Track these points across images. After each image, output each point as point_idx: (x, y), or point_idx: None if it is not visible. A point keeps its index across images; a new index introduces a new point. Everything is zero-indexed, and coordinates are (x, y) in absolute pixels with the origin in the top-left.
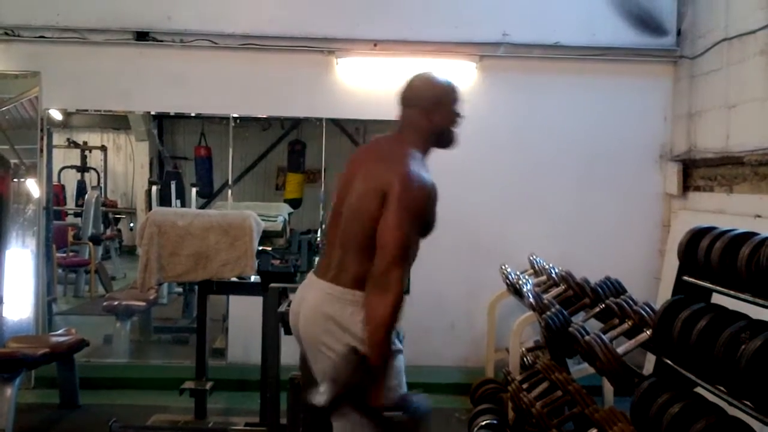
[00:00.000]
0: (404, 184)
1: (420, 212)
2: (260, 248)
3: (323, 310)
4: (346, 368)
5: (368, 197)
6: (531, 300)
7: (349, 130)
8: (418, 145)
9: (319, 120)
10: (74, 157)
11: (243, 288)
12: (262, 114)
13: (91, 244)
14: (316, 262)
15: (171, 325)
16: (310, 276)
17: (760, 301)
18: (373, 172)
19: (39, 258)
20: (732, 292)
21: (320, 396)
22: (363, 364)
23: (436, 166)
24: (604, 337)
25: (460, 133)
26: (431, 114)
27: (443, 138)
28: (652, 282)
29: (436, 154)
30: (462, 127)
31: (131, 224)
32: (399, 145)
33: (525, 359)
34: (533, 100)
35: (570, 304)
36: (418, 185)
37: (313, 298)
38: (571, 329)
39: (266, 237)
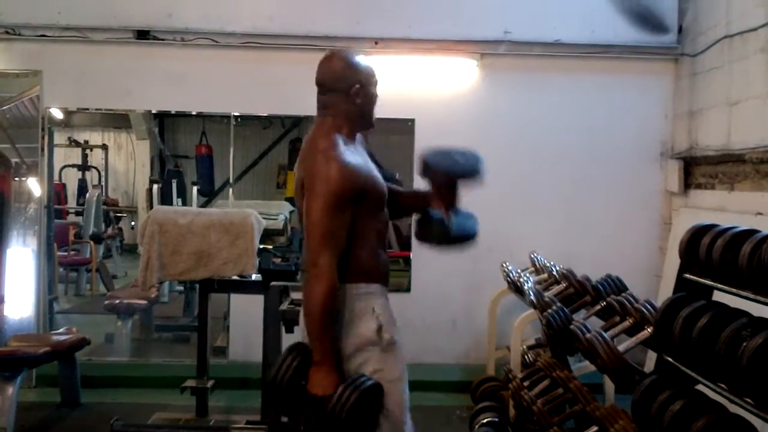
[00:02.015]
0: (314, 170)
1: (339, 192)
2: (261, 246)
3: None
4: (281, 364)
5: (297, 194)
6: (532, 298)
7: None
8: (342, 129)
9: None
10: (75, 155)
11: (244, 286)
12: (263, 112)
13: (92, 242)
14: None
15: (172, 324)
16: None
17: (762, 299)
18: (298, 167)
19: (40, 257)
20: (733, 290)
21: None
22: (303, 358)
23: None
24: (605, 334)
25: (461, 128)
26: (353, 97)
27: (366, 119)
28: (653, 280)
29: None
30: (463, 123)
31: (132, 223)
32: (318, 133)
33: (526, 357)
34: (534, 98)
35: (571, 301)
36: (327, 167)
37: None
38: (572, 327)
39: (267, 235)
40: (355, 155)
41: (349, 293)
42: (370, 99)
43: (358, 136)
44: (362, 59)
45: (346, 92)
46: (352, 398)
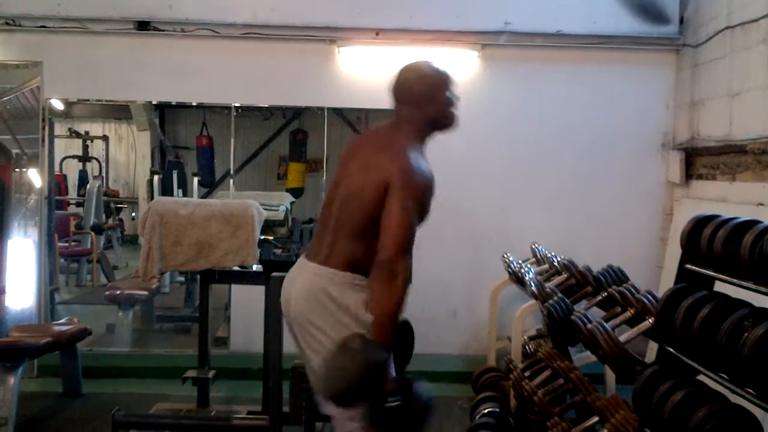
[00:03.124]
0: (407, 175)
1: (421, 202)
2: (262, 237)
3: (319, 287)
4: (353, 356)
5: (369, 186)
6: (533, 288)
7: (350, 119)
8: (415, 137)
9: (321, 109)
10: (76, 146)
11: (245, 277)
12: (264, 103)
13: (93, 233)
14: (306, 247)
15: (173, 314)
16: (301, 259)
17: (763, 289)
18: (373, 162)
19: (41, 248)
20: (735, 280)
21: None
22: (367, 351)
23: (437, 155)
24: (606, 325)
25: (462, 120)
26: (424, 107)
27: (440, 124)
28: (654, 270)
29: (437, 142)
30: (464, 115)
31: (133, 214)
32: (397, 137)
33: (527, 347)
34: (535, 89)
35: (572, 292)
36: (419, 177)
37: (305, 279)
38: (573, 317)
39: (268, 226)
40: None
41: (348, 281)
42: (441, 106)
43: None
44: (434, 67)
45: (416, 104)
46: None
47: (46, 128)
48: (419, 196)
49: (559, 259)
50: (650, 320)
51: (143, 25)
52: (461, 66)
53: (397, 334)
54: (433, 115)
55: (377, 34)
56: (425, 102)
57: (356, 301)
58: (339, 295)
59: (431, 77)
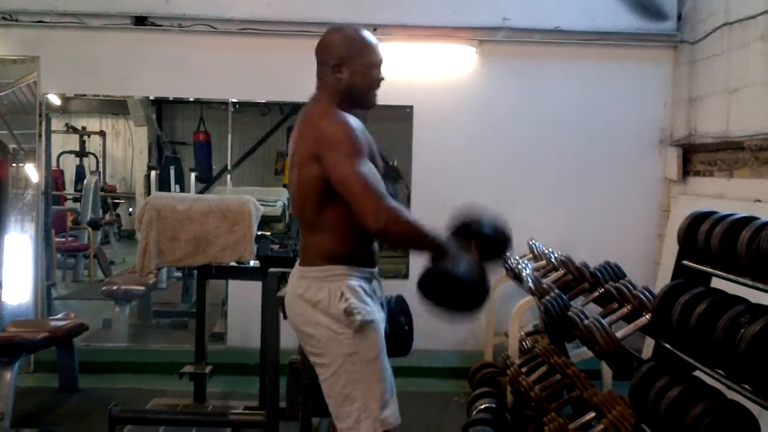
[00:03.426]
0: (325, 132)
1: (356, 142)
2: (259, 233)
3: (295, 292)
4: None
5: (304, 173)
6: (530, 284)
7: None
8: (333, 101)
9: None
10: (73, 142)
11: (242, 272)
12: (261, 99)
13: (90, 228)
14: None
15: (170, 310)
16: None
17: (760, 285)
18: (299, 148)
19: (38, 243)
20: (732, 277)
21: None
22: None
23: (434, 150)
24: (603, 321)
25: (460, 116)
26: (338, 71)
27: (355, 97)
28: (651, 266)
29: (434, 137)
30: (462, 111)
31: (130, 209)
32: (312, 109)
33: (524, 343)
34: (533, 85)
35: (569, 288)
36: (335, 125)
37: (290, 284)
38: (570, 313)
39: (265, 222)
40: (355, 122)
41: (321, 275)
42: (358, 78)
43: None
44: (361, 33)
45: (330, 66)
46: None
47: (43, 123)
48: (349, 140)
49: (556, 255)
50: (647, 316)
51: (140, 21)
52: (459, 62)
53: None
54: (348, 83)
55: (375, 29)
56: (340, 66)
57: (328, 294)
58: (311, 294)
59: (354, 41)
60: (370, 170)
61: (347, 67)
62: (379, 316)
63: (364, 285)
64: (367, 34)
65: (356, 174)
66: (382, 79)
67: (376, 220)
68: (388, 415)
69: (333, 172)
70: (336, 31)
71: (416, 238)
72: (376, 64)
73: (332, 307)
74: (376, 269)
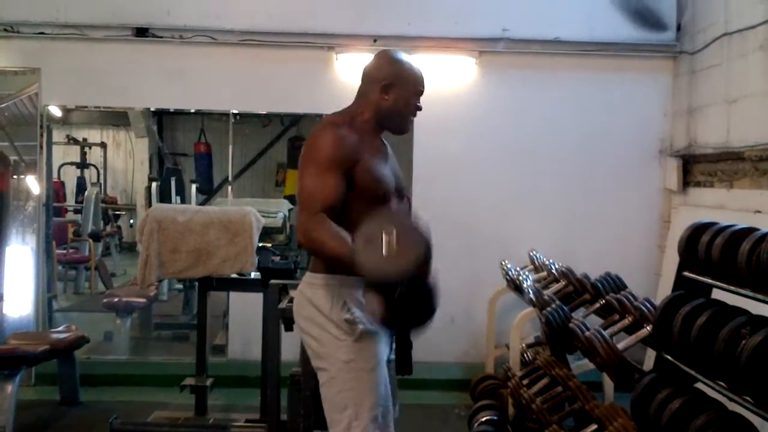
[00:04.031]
0: (307, 141)
1: (327, 153)
2: (260, 245)
3: (304, 296)
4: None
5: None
6: (531, 296)
7: None
8: (363, 115)
9: (320, 116)
10: (74, 153)
11: (243, 284)
12: (262, 110)
13: (91, 240)
14: None
15: (171, 322)
16: None
17: (761, 297)
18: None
19: (39, 255)
20: (732, 288)
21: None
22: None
23: (436, 160)
24: (604, 332)
25: (460, 126)
26: (386, 91)
27: (394, 122)
28: (652, 278)
29: (436, 149)
30: (462, 121)
31: (131, 221)
32: (333, 116)
33: (525, 355)
34: (533, 96)
35: (570, 299)
36: (318, 136)
37: (300, 287)
38: (571, 325)
39: (266, 233)
40: (354, 132)
41: (326, 282)
42: (402, 102)
43: (384, 138)
44: (412, 64)
45: (378, 85)
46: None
47: (44, 135)
48: (325, 154)
49: (557, 266)
50: (648, 328)
51: (141, 32)
52: (459, 73)
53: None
54: (390, 106)
55: (375, 40)
56: (389, 87)
57: (332, 301)
58: (317, 299)
59: (405, 68)
60: (323, 182)
61: (396, 90)
62: (378, 329)
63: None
64: (417, 65)
65: (304, 186)
66: (420, 108)
67: (299, 233)
68: (379, 429)
69: (298, 178)
70: (390, 54)
71: (328, 255)
72: (420, 93)
73: (335, 314)
74: None
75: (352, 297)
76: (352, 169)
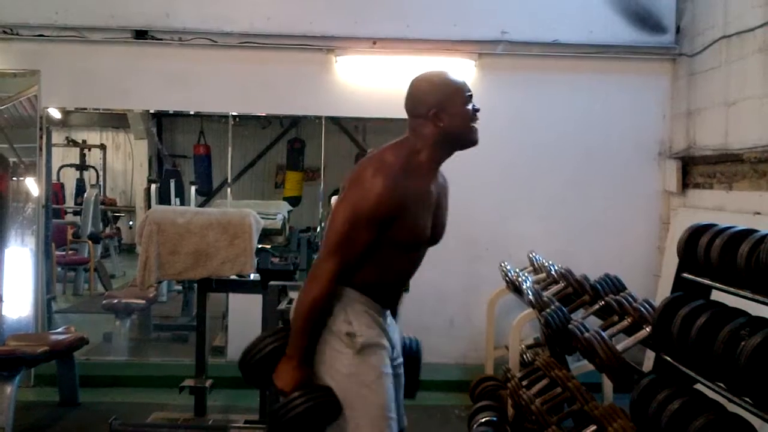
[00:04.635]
0: (360, 177)
1: (372, 210)
2: (260, 246)
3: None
4: (260, 341)
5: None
6: (530, 297)
7: (348, 128)
8: (421, 153)
9: (319, 118)
10: (73, 155)
11: (242, 286)
12: (261, 112)
13: (90, 242)
14: None
15: (170, 323)
16: None
17: (760, 298)
18: (352, 171)
19: (38, 256)
20: (731, 289)
21: None
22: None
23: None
24: (603, 334)
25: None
26: (437, 119)
27: (458, 139)
28: (651, 279)
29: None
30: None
31: (130, 222)
32: (392, 146)
33: (524, 356)
34: (532, 98)
35: (569, 301)
36: (372, 181)
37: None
38: (570, 326)
39: (265, 235)
40: (408, 181)
41: (340, 293)
42: (458, 120)
43: (440, 172)
44: (447, 77)
45: (427, 118)
46: (300, 408)
47: (44, 137)
48: (371, 208)
49: (556, 267)
50: (647, 329)
51: (141, 34)
52: (458, 75)
53: None
54: (449, 129)
55: (374, 43)
56: (438, 113)
57: (334, 313)
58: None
59: (444, 85)
60: (353, 237)
61: (445, 113)
62: (383, 342)
63: (371, 312)
64: (452, 74)
65: (341, 230)
66: (478, 109)
67: (318, 257)
68: None
69: (334, 208)
70: (423, 80)
71: (302, 315)
72: (470, 98)
73: (336, 326)
74: (388, 311)
75: (354, 309)
76: (391, 221)
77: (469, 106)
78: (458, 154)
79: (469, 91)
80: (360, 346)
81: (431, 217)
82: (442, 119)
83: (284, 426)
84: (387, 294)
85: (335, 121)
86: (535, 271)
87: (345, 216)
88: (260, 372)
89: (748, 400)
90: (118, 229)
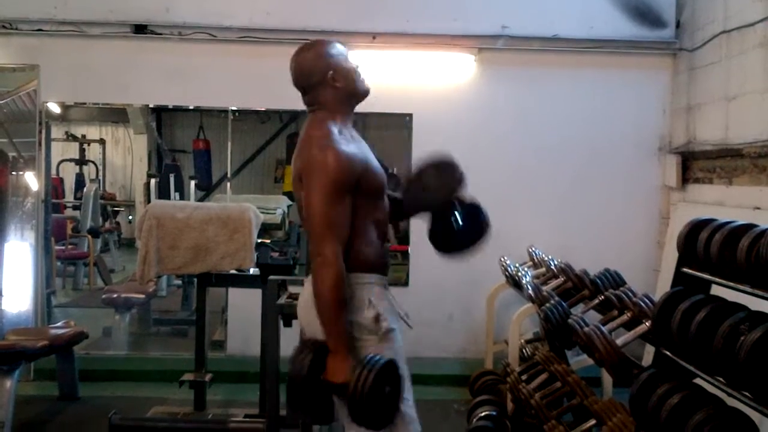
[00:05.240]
0: (311, 160)
1: (337, 180)
2: (259, 241)
3: (306, 296)
4: (295, 361)
5: (296, 186)
6: (530, 292)
7: None
8: (335, 117)
9: None
10: (73, 150)
11: (242, 280)
12: (261, 107)
13: (89, 236)
14: None
15: (170, 318)
16: None
17: (760, 293)
18: (295, 160)
19: (38, 251)
20: (731, 284)
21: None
22: (316, 352)
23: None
24: (603, 328)
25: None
26: (334, 81)
27: (356, 93)
28: (651, 274)
29: (434, 146)
30: (461, 119)
31: (130, 217)
32: (311, 125)
33: (524, 351)
34: (532, 93)
35: (569, 295)
36: (324, 156)
37: (303, 291)
38: (570, 321)
39: (265, 229)
40: (350, 143)
41: (347, 283)
42: (349, 76)
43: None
44: (325, 44)
45: (323, 83)
46: (370, 378)
47: (43, 131)
48: (330, 174)
49: (555, 262)
50: (647, 324)
51: (140, 29)
52: (458, 70)
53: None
54: (346, 87)
55: (374, 37)
56: (332, 78)
57: (352, 302)
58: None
59: (326, 50)
60: (335, 212)
61: (338, 74)
62: (398, 326)
63: (385, 291)
64: (325, 41)
65: (321, 212)
66: (357, 64)
67: (312, 247)
68: (407, 423)
69: (306, 198)
70: (304, 52)
71: (325, 294)
72: (346, 54)
73: (356, 314)
74: (386, 277)
75: (374, 293)
76: (357, 181)
77: (352, 63)
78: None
79: (343, 47)
80: (383, 332)
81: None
82: (338, 80)
83: (368, 400)
84: (383, 257)
85: None
86: (535, 265)
87: (319, 198)
88: (313, 388)
89: (747, 394)
90: (118, 223)
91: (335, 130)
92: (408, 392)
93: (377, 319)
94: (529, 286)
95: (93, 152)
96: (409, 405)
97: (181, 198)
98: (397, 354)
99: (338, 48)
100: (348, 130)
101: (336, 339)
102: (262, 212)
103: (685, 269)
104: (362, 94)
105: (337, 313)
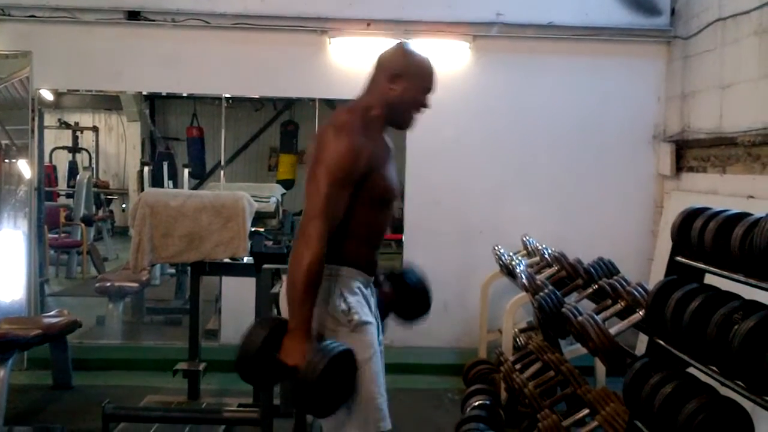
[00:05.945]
0: (325, 140)
1: (345, 167)
2: (253, 229)
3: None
4: (250, 334)
5: (309, 161)
6: (524, 281)
7: None
8: (373, 110)
9: (312, 100)
10: (66, 137)
11: (236, 269)
12: (255, 94)
13: (83, 225)
14: None
15: (164, 306)
16: None
17: (753, 282)
18: (315, 141)
19: (31, 239)
20: (725, 273)
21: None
22: (273, 329)
23: (429, 145)
24: (596, 317)
25: (453, 111)
26: (393, 83)
27: (398, 116)
28: (644, 263)
29: (428, 133)
30: (455, 106)
31: (123, 205)
32: (345, 108)
33: (518, 340)
34: (526, 81)
35: (563, 284)
36: (337, 141)
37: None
38: (563, 310)
39: (259, 218)
40: (369, 141)
41: (327, 272)
42: (408, 95)
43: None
44: (429, 63)
45: (387, 74)
46: (321, 364)
47: (36, 119)
48: (343, 164)
49: (549, 251)
50: (640, 313)
51: (134, 15)
52: (453, 57)
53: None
54: (396, 97)
55: (368, 24)
56: (398, 77)
57: (327, 292)
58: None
59: (418, 62)
60: (332, 196)
61: (403, 82)
62: (373, 320)
63: (362, 287)
64: (431, 62)
65: (318, 191)
66: (427, 106)
67: (302, 220)
68: (378, 419)
69: (308, 174)
70: (405, 46)
71: (297, 282)
72: (428, 90)
73: (330, 304)
74: (372, 278)
75: (348, 286)
76: (363, 177)
77: (424, 97)
78: (452, 138)
79: (432, 84)
80: (355, 324)
81: (394, 172)
82: (397, 85)
83: (314, 387)
84: (371, 259)
85: (329, 104)
86: (529, 254)
87: (323, 178)
88: (262, 364)
89: (740, 383)
90: (111, 211)
91: (361, 122)
92: (381, 387)
93: (348, 311)
94: (523, 275)
95: (86, 140)
96: (380, 399)
97: (175, 186)
98: (370, 347)
99: (427, 73)
100: (376, 132)
101: (297, 319)
102: (256, 200)
103: (678, 258)
104: (400, 119)
105: (305, 295)
